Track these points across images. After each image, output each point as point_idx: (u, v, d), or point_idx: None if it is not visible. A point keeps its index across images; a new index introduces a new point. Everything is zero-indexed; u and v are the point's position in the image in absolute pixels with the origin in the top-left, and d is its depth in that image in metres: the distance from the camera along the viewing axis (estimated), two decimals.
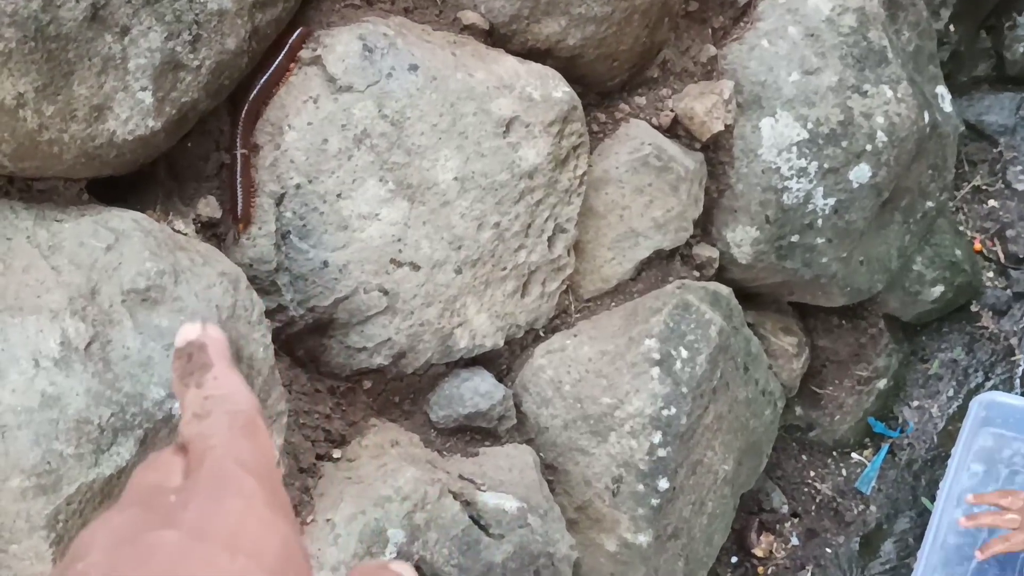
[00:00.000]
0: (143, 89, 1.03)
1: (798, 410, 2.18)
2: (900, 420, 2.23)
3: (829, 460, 2.21)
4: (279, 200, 1.24)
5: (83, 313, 0.97)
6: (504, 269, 1.41)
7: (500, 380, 1.51)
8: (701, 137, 1.66)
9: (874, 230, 1.93)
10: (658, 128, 1.65)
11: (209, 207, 1.21)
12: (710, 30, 1.77)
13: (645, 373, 1.52)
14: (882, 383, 2.19)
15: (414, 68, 1.28)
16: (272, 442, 0.49)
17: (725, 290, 1.72)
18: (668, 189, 1.59)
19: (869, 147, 1.81)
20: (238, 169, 1.22)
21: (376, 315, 1.32)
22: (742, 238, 1.82)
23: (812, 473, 2.18)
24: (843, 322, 2.20)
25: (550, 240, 1.45)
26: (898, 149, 1.84)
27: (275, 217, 1.24)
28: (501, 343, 1.45)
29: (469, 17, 1.43)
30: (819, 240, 1.85)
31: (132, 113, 1.04)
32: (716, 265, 1.79)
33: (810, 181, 1.79)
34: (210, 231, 1.23)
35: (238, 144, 1.23)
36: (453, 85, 1.30)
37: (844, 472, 2.18)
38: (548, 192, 1.41)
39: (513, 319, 1.46)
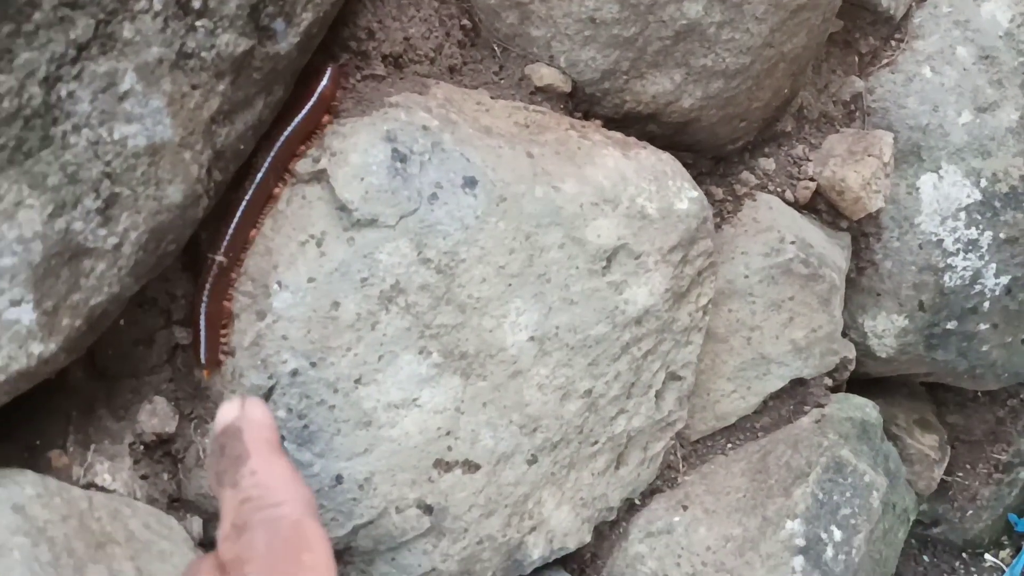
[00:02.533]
0: (15, 303, 0.59)
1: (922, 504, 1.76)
2: None
3: (957, 563, 1.80)
4: (267, 395, 0.81)
5: None
6: (595, 444, 0.98)
7: (582, 574, 1.09)
8: (852, 216, 1.20)
9: None
10: (794, 204, 1.20)
11: (157, 416, 0.78)
12: (856, 57, 1.30)
13: (784, 565, 1.09)
14: None
15: (471, 183, 0.82)
16: (324, 549, 0.42)
17: (873, 414, 1.28)
18: (816, 303, 1.14)
19: None
20: (208, 281, 0.77)
21: (414, 538, 0.89)
22: (885, 328, 1.38)
23: None
24: (979, 394, 1.77)
25: (658, 394, 1.02)
26: None
27: None
28: (588, 538, 1.02)
29: (542, 75, 0.96)
30: (982, 326, 1.41)
31: (1, 343, 0.59)
32: (852, 367, 1.35)
33: (980, 257, 1.34)
34: (161, 450, 0.79)
35: (223, 248, 0.77)
36: (530, 207, 0.84)
37: None
38: (660, 338, 0.97)
39: (604, 501, 1.03)
